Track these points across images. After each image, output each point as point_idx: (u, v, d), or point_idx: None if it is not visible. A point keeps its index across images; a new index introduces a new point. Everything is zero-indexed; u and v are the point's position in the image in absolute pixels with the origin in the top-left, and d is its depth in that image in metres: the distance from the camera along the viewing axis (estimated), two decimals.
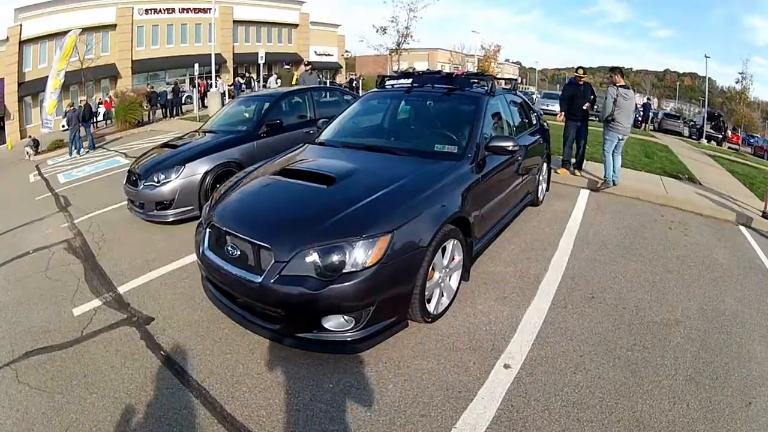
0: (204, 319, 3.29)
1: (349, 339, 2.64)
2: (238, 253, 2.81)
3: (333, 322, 2.63)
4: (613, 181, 6.95)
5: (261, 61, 14.42)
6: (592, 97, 7.49)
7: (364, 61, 49.63)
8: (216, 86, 20.97)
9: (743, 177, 10.09)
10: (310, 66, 12.47)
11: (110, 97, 24.84)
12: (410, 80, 4.80)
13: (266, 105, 6.47)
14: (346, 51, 48.91)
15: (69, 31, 18.65)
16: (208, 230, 3.09)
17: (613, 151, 6.88)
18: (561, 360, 2.85)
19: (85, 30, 22.41)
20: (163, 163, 5.40)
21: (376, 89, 5.09)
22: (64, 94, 20.61)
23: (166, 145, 6.18)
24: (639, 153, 10.85)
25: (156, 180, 5.22)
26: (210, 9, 36.21)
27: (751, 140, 34.14)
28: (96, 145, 14.76)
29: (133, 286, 3.91)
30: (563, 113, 7.67)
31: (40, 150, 15.53)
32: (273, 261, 2.60)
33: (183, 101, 23.60)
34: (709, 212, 6.49)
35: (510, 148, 3.63)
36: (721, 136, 28.02)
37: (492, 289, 3.70)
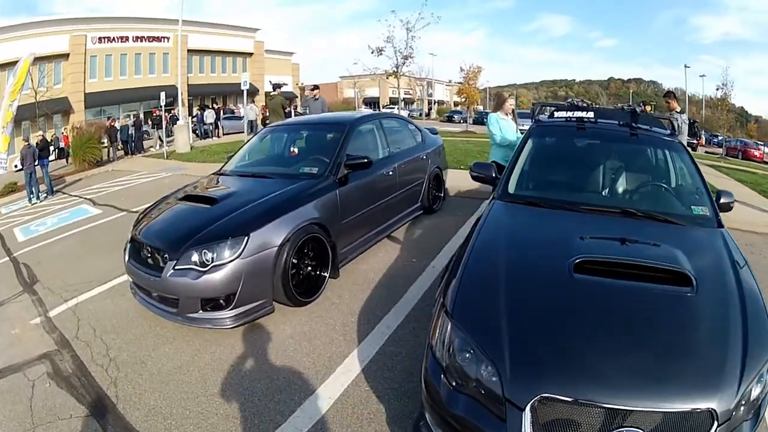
0: None
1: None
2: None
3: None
4: None
5: (245, 87, 13.29)
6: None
7: (324, 88, 48.68)
8: (182, 119, 19.64)
9: (752, 185, 9.87)
10: (317, 90, 10.39)
11: (68, 133, 22.50)
12: (584, 113, 3.93)
13: (339, 137, 4.85)
14: (301, 82, 48.21)
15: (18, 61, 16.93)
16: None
17: None
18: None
19: (37, 60, 20.61)
20: (208, 232, 3.59)
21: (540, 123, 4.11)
22: (16, 131, 18.79)
23: (190, 197, 4.40)
24: None
25: (201, 260, 3.47)
26: (165, 38, 35.44)
27: (714, 140, 35.37)
28: (54, 189, 13.08)
29: None
30: None
31: None
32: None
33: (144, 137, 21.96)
34: (764, 229, 6.02)
35: None
36: (696, 141, 29.41)
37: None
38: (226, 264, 3.46)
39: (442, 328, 2.09)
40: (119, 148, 18.90)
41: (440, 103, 62.86)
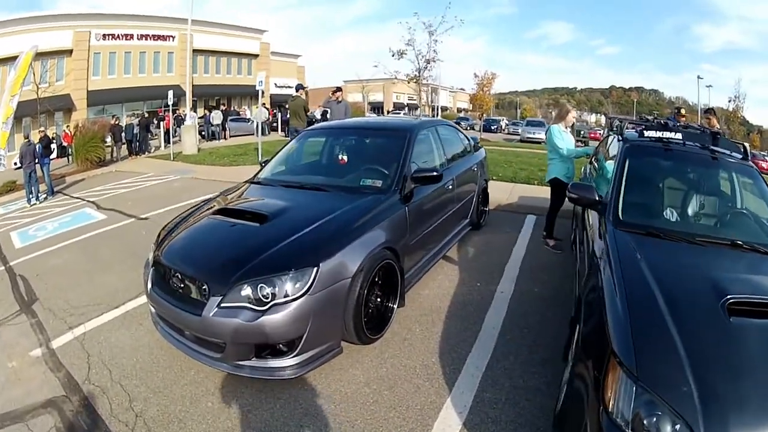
0: None
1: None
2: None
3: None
4: None
5: (260, 87, 12.41)
6: None
7: (315, 94, 47.67)
8: (190, 119, 18.82)
9: None
10: (340, 92, 9.71)
11: (69, 130, 21.65)
12: (673, 134, 3.78)
13: (402, 145, 4.17)
14: (307, 85, 47.53)
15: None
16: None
17: None
18: None
19: (40, 55, 19.82)
20: (263, 260, 2.84)
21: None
22: (16, 127, 18.00)
23: (229, 212, 3.59)
24: None
25: (256, 297, 2.71)
26: (170, 36, 34.77)
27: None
28: (55, 189, 12.25)
29: None
30: None
31: None
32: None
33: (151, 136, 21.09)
34: None
35: None
36: None
37: None
38: (292, 302, 2.73)
39: (620, 387, 1.81)
40: (123, 147, 18.03)
41: (444, 109, 62.28)
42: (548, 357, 3.23)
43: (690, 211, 3.36)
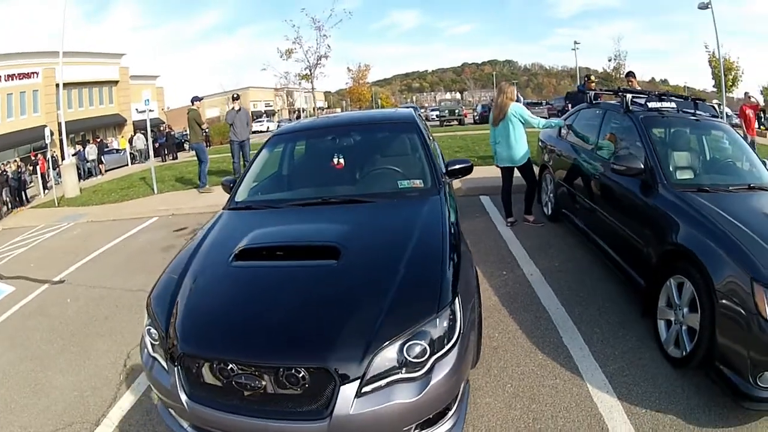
0: None
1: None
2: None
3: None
4: None
5: (147, 107, 11.20)
6: None
7: (174, 114, 44.40)
8: (68, 157, 16.28)
9: None
10: (238, 101, 9.73)
11: None
12: (669, 104, 4.29)
13: (414, 137, 3.80)
14: (166, 106, 44.66)
15: None
16: (179, 368, 2.03)
17: None
18: None
19: None
20: (394, 308, 2.02)
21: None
22: None
23: (264, 252, 2.60)
24: None
25: (407, 360, 1.90)
26: (34, 73, 30.58)
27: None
28: None
29: None
30: None
31: None
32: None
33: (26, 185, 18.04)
34: None
35: None
36: None
37: None
38: (451, 350, 1.98)
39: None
40: (6, 201, 15.04)
41: (318, 109, 61.00)
42: (623, 319, 3.48)
43: (707, 167, 4.02)
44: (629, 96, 4.34)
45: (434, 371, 1.91)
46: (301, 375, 1.85)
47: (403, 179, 3.35)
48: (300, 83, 15.56)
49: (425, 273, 2.24)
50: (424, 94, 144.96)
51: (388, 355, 1.88)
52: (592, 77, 8.75)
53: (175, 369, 2.03)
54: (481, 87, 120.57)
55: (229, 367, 1.93)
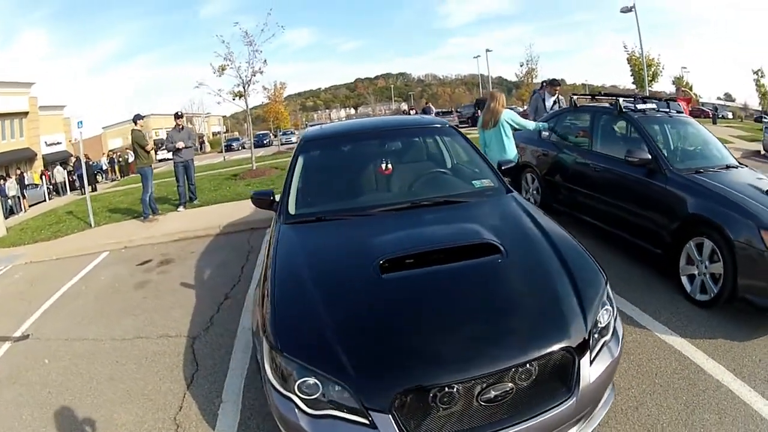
0: None
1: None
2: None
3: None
4: None
5: (80, 129, 9.98)
6: None
7: (89, 143, 41.84)
8: None
9: None
10: (182, 119, 9.98)
11: None
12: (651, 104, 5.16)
13: (451, 138, 3.99)
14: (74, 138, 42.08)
15: None
16: (397, 415, 1.77)
17: None
18: None
19: None
20: (577, 283, 2.22)
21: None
22: None
23: (423, 258, 2.36)
24: None
25: (600, 326, 2.17)
26: None
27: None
28: None
29: None
30: None
31: None
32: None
33: None
34: None
35: None
36: None
37: None
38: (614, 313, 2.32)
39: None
40: None
41: (215, 134, 58.84)
42: (647, 281, 4.20)
43: (692, 154, 4.74)
44: (621, 99, 4.99)
45: (614, 335, 2.17)
46: (533, 367, 1.85)
47: (474, 180, 3.39)
48: (234, 99, 15.13)
49: (579, 257, 2.40)
50: (319, 111, 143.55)
51: (597, 322, 2.06)
52: (558, 81, 8.72)
53: (389, 417, 1.74)
54: (377, 101, 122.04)
55: (455, 389, 1.77)
